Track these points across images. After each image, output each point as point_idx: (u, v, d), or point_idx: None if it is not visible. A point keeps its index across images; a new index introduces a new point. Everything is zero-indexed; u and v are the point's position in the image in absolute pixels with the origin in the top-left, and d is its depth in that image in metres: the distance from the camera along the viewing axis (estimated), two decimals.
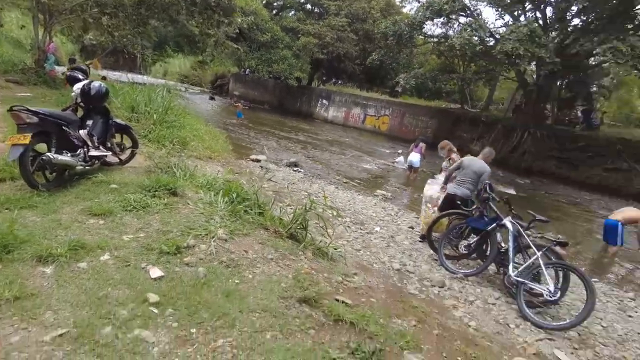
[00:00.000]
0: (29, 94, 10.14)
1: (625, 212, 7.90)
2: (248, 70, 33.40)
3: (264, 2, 29.99)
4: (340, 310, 2.80)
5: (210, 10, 14.95)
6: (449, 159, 6.85)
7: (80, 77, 5.37)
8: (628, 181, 17.40)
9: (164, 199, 4.03)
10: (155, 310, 2.35)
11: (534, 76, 21.16)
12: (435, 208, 6.15)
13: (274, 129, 19.67)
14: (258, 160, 10.19)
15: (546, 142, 19.48)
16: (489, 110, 24.87)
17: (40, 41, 12.95)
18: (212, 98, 29.00)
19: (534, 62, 18.15)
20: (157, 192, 4.12)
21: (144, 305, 2.37)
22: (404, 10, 28.47)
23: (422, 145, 11.87)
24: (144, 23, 15.15)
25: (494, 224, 4.87)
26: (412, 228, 6.75)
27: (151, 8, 14.31)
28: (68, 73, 6.18)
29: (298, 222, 4.26)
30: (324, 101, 29.73)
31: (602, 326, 4.51)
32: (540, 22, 18.65)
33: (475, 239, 5.11)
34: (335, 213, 5.18)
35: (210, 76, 39.69)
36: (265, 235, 3.89)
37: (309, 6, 31.93)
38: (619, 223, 7.62)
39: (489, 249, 5.00)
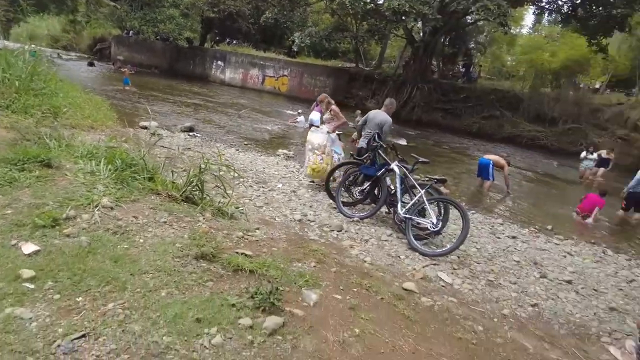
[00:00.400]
0: None
1: (494, 156, 9.12)
2: (132, 31, 30.34)
3: None
4: (239, 260, 2.85)
5: None
6: (330, 111, 7.13)
7: None
8: (500, 127, 19.85)
9: (35, 172, 3.61)
10: (31, 286, 2.16)
11: (421, 33, 22.51)
12: (324, 155, 6.42)
13: (166, 94, 18.41)
14: (146, 128, 9.51)
15: (433, 95, 21.17)
16: (382, 68, 26.04)
17: None
18: (91, 64, 25.97)
19: (420, 20, 19.23)
20: (26, 165, 3.66)
21: (16, 282, 2.16)
22: None
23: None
24: None
25: (383, 169, 5.26)
26: (313, 182, 6.98)
27: None
28: None
29: (193, 184, 4.15)
30: (219, 62, 28.45)
31: (477, 248, 5.24)
32: None
33: (367, 185, 5.48)
34: (234, 173, 5.13)
35: (87, 40, 35.40)
36: (157, 200, 3.73)
37: None
38: (490, 161, 8.75)
39: (380, 192, 5.40)
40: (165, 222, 3.28)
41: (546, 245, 5.88)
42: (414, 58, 22.10)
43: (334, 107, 7.14)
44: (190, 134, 10.15)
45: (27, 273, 2.23)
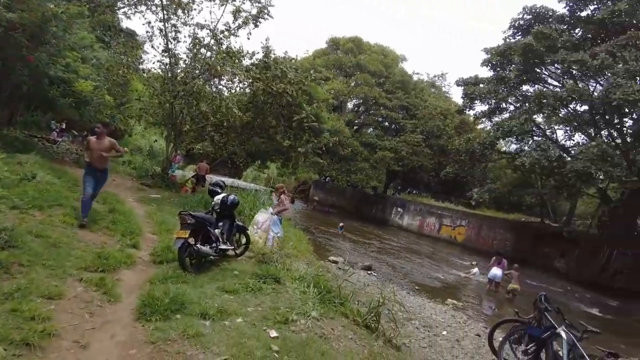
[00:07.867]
0: (158, 196, 12.57)
1: None
2: (328, 178, 36.35)
3: (345, 120, 33.59)
4: None
5: (302, 131, 17.74)
6: (278, 198, 8.63)
7: (219, 190, 7.32)
8: None
9: (271, 285, 5.33)
10: (277, 355, 3.51)
11: (619, 193, 20.67)
12: (259, 230, 7.73)
13: (351, 233, 20.99)
14: (336, 262, 11.36)
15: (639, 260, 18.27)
16: (572, 225, 24.05)
17: (170, 153, 16.18)
18: (292, 201, 31.67)
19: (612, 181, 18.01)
20: (266, 280, 5.44)
21: (269, 351, 3.54)
22: (479, 127, 30.17)
23: (504, 261, 12.76)
24: (248, 139, 18.19)
25: (549, 332, 5.36)
26: (479, 335, 7.20)
27: (255, 129, 17.45)
28: (210, 188, 8.00)
29: (372, 315, 5.26)
30: (399, 209, 30.97)
31: None
32: (619, 140, 18.81)
33: (532, 346, 5.55)
34: (404, 314, 6.06)
35: (294, 182, 43.57)
36: (346, 321, 4.94)
37: (386, 124, 35.15)
38: None
39: (544, 356, 5.40)
40: (351, 338, 4.41)
41: None
42: (611, 217, 19.97)
43: (283, 196, 8.70)
44: (368, 272, 11.57)
45: (274, 347, 3.60)
